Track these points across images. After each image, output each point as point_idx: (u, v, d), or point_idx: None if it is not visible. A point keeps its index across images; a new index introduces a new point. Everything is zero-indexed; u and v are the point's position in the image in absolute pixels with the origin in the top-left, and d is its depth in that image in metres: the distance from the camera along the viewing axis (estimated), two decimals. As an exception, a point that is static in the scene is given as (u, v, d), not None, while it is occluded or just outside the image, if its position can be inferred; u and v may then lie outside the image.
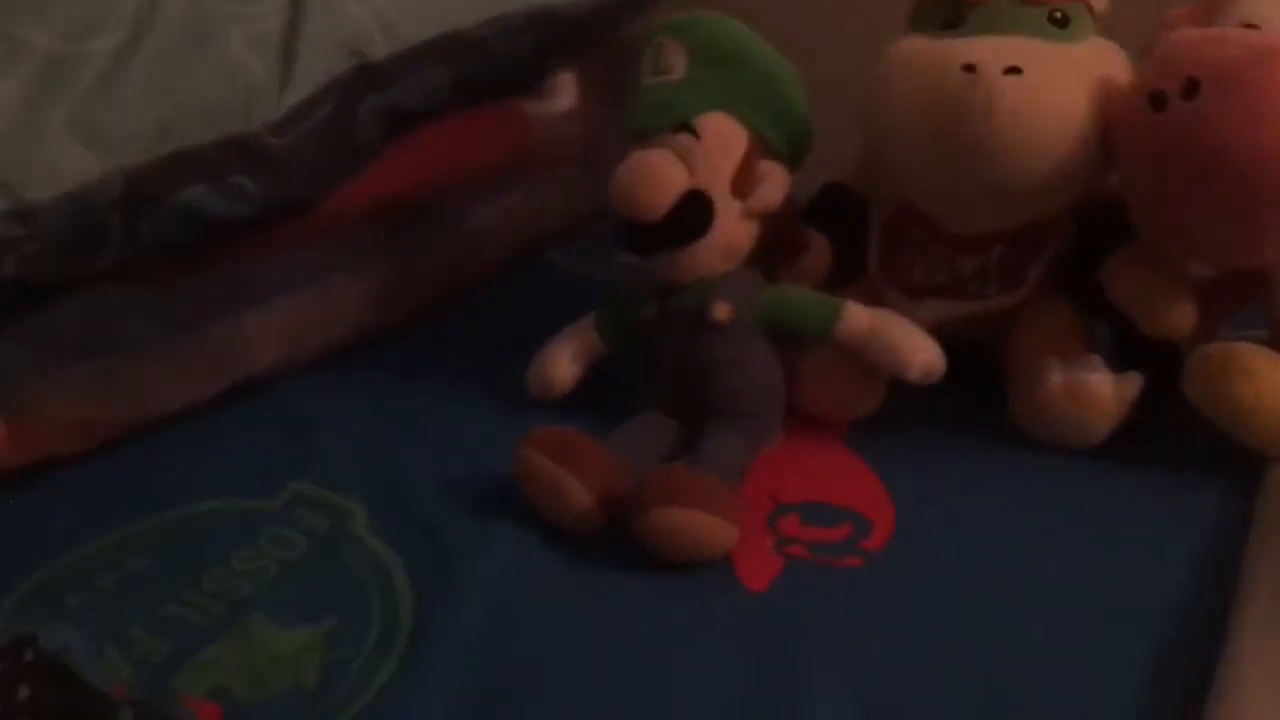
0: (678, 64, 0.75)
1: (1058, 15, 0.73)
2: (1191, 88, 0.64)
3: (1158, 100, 0.65)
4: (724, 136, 0.74)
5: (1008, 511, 0.69)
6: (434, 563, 0.67)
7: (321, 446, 0.78)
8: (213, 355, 0.81)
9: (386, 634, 0.62)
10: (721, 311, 0.73)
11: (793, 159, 0.78)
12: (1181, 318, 0.72)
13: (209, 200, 0.76)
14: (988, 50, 0.70)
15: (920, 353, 0.72)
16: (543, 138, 1.02)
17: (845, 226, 0.82)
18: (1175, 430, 0.72)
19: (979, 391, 0.77)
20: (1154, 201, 0.68)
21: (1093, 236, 0.76)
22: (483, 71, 0.91)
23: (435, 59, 0.86)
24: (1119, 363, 0.73)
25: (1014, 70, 0.69)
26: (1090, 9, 0.74)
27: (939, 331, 0.75)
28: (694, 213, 0.72)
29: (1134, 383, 0.72)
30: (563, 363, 0.80)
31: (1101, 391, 0.71)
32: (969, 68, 0.69)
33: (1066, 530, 0.68)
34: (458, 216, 0.96)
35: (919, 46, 0.74)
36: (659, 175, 0.72)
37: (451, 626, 0.62)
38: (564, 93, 1.06)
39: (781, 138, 0.77)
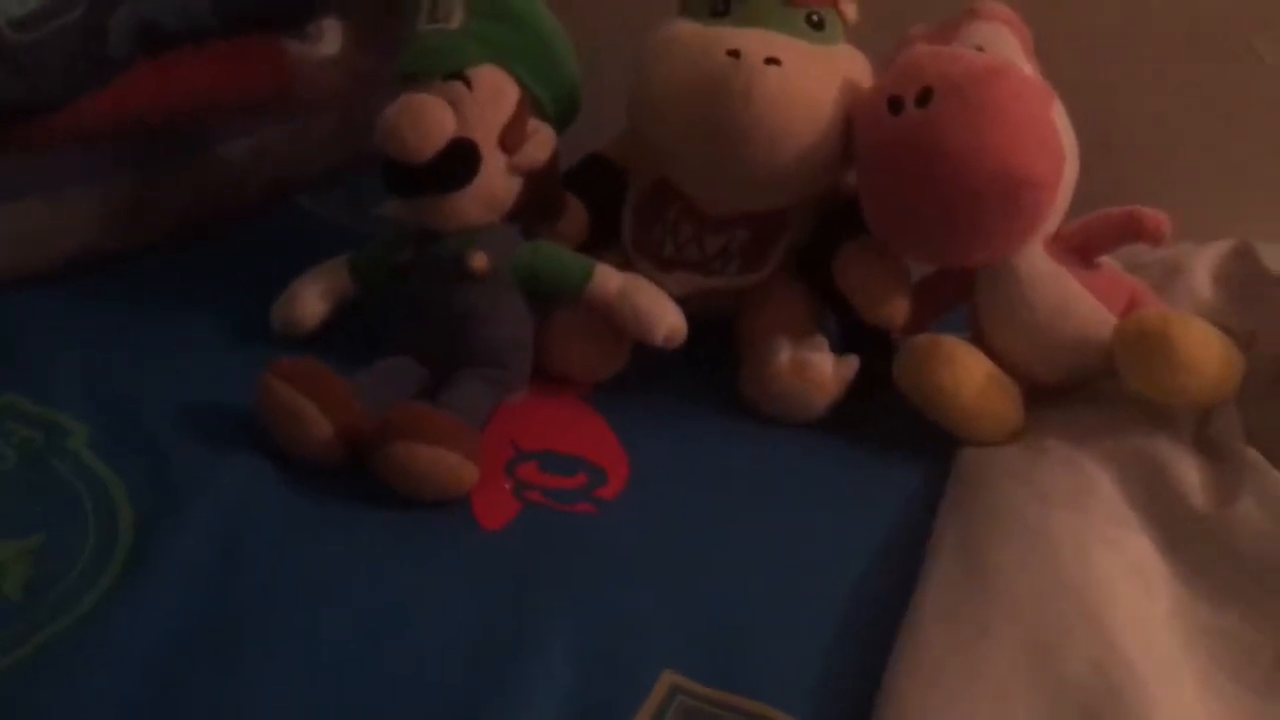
0: (456, 13, 0.75)
1: (815, 18, 0.78)
2: (925, 95, 0.70)
3: (895, 104, 0.71)
4: (496, 90, 0.74)
5: (731, 472, 0.73)
6: (159, 487, 0.64)
7: (42, 361, 0.73)
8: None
9: (102, 552, 0.59)
10: (479, 261, 0.73)
11: (560, 122, 0.79)
12: (897, 310, 0.79)
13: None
14: (752, 40, 0.74)
15: (666, 317, 0.75)
16: (303, 79, 0.99)
17: (602, 197, 0.85)
18: (883, 412, 0.78)
19: (713, 363, 0.82)
20: (884, 196, 0.74)
21: (832, 229, 0.81)
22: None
23: (198, -23, 0.83)
24: (840, 348, 0.79)
25: (774, 61, 0.73)
26: (842, 16, 0.80)
27: (683, 304, 0.79)
28: (460, 160, 0.72)
29: (851, 365, 0.78)
30: (311, 298, 0.78)
31: (823, 369, 0.77)
32: (733, 53, 0.73)
33: (781, 493, 0.72)
34: (207, 145, 0.93)
35: (688, 30, 0.77)
36: (429, 118, 0.71)
37: (173, 550, 0.59)
38: (329, 38, 1.05)
39: (551, 100, 0.78)
